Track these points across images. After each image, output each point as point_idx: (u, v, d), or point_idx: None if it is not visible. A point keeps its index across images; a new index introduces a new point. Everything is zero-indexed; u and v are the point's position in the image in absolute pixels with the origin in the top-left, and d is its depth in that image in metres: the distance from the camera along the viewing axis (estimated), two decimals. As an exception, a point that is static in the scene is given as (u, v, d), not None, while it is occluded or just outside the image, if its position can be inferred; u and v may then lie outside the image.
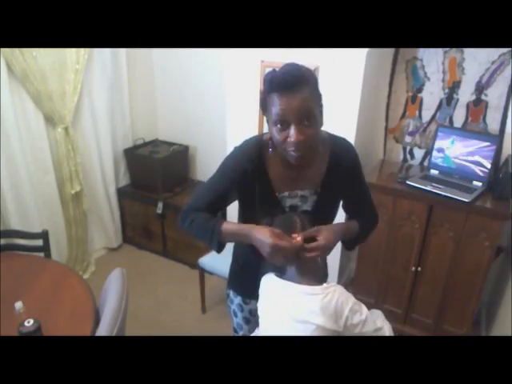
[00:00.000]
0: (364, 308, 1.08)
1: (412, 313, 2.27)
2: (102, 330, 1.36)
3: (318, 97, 1.13)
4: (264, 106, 1.12)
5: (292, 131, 1.04)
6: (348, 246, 1.34)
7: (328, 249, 1.13)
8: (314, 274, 1.13)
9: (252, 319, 1.43)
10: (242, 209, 1.28)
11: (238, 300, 1.43)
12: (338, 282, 2.57)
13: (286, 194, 1.21)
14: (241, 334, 1.47)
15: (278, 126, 1.05)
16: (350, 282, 2.68)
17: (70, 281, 1.75)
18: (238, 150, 1.21)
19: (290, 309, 1.09)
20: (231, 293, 1.45)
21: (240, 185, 1.19)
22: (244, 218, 1.28)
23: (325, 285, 1.08)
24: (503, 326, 2.01)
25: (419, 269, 2.15)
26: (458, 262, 2.04)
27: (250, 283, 1.31)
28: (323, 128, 1.23)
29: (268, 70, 1.27)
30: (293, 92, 1.03)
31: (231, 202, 1.28)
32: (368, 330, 1.07)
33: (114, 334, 1.35)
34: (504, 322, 2.01)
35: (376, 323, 1.10)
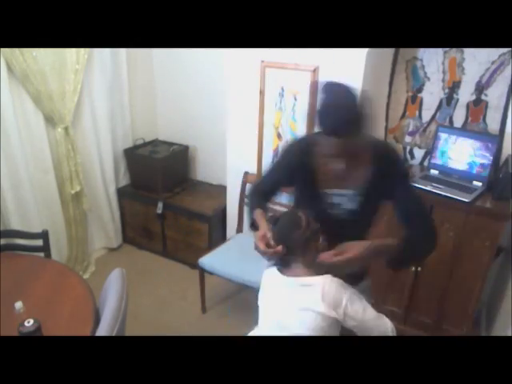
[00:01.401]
0: (363, 299, 1.14)
1: (412, 313, 2.27)
2: (102, 330, 1.36)
3: (367, 117, 1.12)
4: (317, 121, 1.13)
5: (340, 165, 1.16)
6: (394, 265, 1.28)
7: (353, 262, 1.14)
8: (312, 266, 1.17)
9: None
10: (296, 194, 1.40)
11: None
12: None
13: (335, 191, 1.29)
14: None
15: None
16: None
17: (70, 281, 1.75)
18: (297, 138, 1.40)
19: (292, 299, 1.15)
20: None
21: (295, 168, 1.32)
22: (297, 202, 1.40)
23: (324, 275, 1.13)
24: (503, 326, 2.01)
25: (419, 269, 2.14)
26: (458, 262, 2.04)
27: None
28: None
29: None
30: (344, 138, 1.07)
31: (293, 184, 1.40)
32: (370, 318, 1.11)
33: (113, 334, 1.35)
34: (504, 322, 2.01)
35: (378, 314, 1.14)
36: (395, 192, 1.28)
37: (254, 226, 1.37)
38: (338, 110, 1.07)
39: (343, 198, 1.28)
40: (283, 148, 1.40)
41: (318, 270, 1.16)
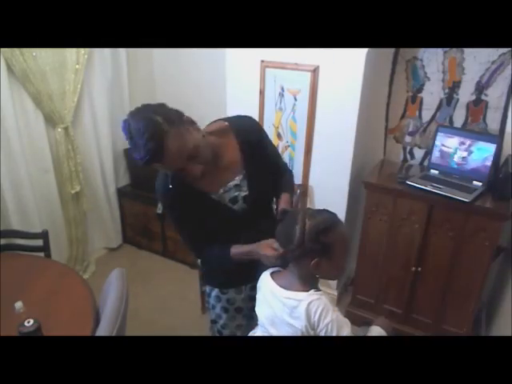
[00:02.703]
0: (344, 326, 1.06)
1: (412, 313, 2.27)
2: (102, 330, 1.36)
3: (180, 122, 1.10)
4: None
5: (190, 170, 1.13)
6: None
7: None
8: (304, 280, 1.12)
9: (230, 308, 1.46)
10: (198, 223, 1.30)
11: (214, 292, 1.47)
12: (338, 283, 2.57)
13: (221, 190, 1.27)
14: (220, 323, 1.50)
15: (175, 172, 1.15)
16: (350, 282, 2.68)
17: (70, 281, 1.75)
18: (157, 189, 1.29)
19: (279, 310, 1.11)
20: (207, 288, 1.51)
21: (186, 207, 1.25)
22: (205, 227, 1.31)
23: (311, 291, 1.08)
24: (503, 326, 2.01)
25: (419, 269, 2.14)
26: (458, 261, 2.04)
27: (224, 275, 1.41)
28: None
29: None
30: (166, 156, 1.05)
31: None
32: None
33: (113, 334, 1.35)
34: (504, 322, 2.01)
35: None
36: (270, 155, 1.35)
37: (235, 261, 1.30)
38: (140, 136, 1.03)
39: (234, 190, 1.28)
40: (164, 205, 1.34)
41: (310, 284, 1.12)
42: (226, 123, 1.29)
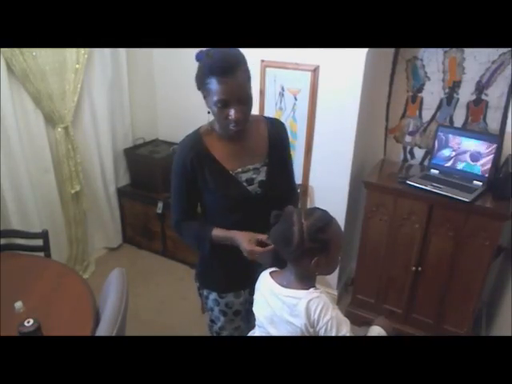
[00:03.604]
0: (343, 323, 1.06)
1: (412, 313, 2.27)
2: (102, 330, 1.36)
3: (250, 78, 1.22)
4: (201, 84, 1.20)
5: (232, 111, 1.17)
6: None
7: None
8: (302, 278, 1.12)
9: (228, 311, 1.47)
10: (204, 195, 1.34)
11: (213, 296, 1.47)
12: (338, 282, 2.57)
13: (240, 169, 1.31)
14: (218, 325, 1.51)
15: (219, 105, 1.17)
16: (350, 282, 2.68)
17: (70, 281, 1.75)
18: (178, 148, 1.33)
19: (278, 309, 1.12)
20: (205, 291, 1.49)
21: (194, 175, 1.29)
22: (206, 203, 1.36)
23: (311, 290, 1.08)
24: (503, 326, 2.01)
25: (419, 269, 2.14)
26: (458, 261, 2.04)
27: (222, 278, 1.42)
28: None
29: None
30: (231, 77, 1.13)
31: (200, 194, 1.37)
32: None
33: (113, 334, 1.35)
34: (504, 321, 2.01)
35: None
36: (288, 166, 1.44)
37: (214, 247, 1.32)
38: (220, 53, 1.14)
39: (252, 172, 1.32)
40: (177, 163, 1.32)
41: (309, 282, 1.12)
42: (263, 117, 1.41)
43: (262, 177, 1.32)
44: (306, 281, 1.12)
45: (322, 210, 1.13)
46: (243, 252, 1.23)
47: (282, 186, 1.38)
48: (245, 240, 1.23)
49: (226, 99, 1.15)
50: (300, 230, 1.05)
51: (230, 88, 1.14)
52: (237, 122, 1.19)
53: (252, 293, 1.41)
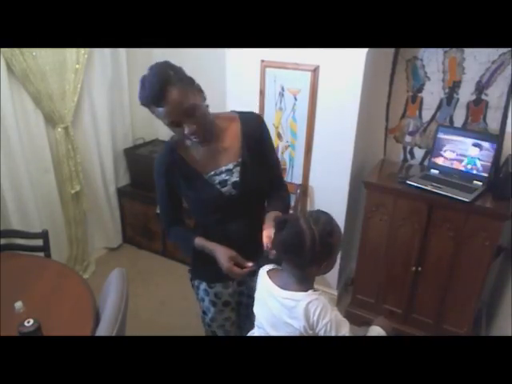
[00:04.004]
0: (342, 325, 1.06)
1: (412, 313, 2.27)
2: (102, 330, 1.36)
3: (189, 83, 1.21)
4: (149, 109, 1.20)
5: (186, 129, 1.19)
6: None
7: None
8: (301, 280, 1.11)
9: (218, 302, 1.50)
10: (183, 199, 1.41)
11: (203, 286, 1.50)
12: (338, 282, 2.57)
13: (212, 172, 1.32)
14: (209, 316, 1.54)
15: (171, 127, 1.20)
16: (350, 282, 2.68)
17: (70, 281, 1.75)
18: (156, 158, 1.38)
19: (276, 310, 1.11)
20: (196, 282, 1.54)
21: (171, 181, 1.34)
22: (188, 205, 1.41)
23: (310, 291, 1.08)
24: (503, 326, 2.01)
25: (419, 269, 2.14)
26: (458, 261, 2.04)
27: (211, 269, 1.40)
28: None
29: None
30: (166, 101, 1.13)
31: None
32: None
33: (113, 334, 1.35)
34: (504, 322, 2.01)
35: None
36: (269, 158, 1.40)
37: (197, 253, 1.38)
38: (149, 79, 1.14)
39: (225, 174, 1.32)
40: (156, 172, 1.37)
41: (308, 284, 1.11)
42: (237, 114, 1.38)
43: (235, 177, 1.32)
44: (305, 283, 1.11)
45: (324, 212, 1.12)
46: (221, 267, 1.27)
47: (259, 183, 1.37)
48: (224, 257, 1.26)
49: (173, 121, 1.17)
50: (312, 237, 1.03)
51: (170, 111, 1.15)
52: (195, 135, 1.21)
53: (241, 284, 1.50)
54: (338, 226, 1.10)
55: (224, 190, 1.32)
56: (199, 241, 1.36)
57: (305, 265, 1.07)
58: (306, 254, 1.04)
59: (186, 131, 1.19)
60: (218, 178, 1.32)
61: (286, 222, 1.08)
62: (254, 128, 1.36)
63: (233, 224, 1.35)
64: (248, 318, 1.52)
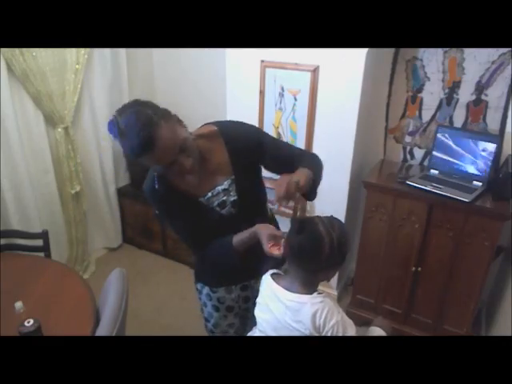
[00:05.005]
0: (348, 327, 1.06)
1: (412, 313, 2.27)
2: (102, 330, 1.37)
3: (170, 117, 1.11)
4: (138, 159, 1.10)
5: (176, 167, 1.12)
6: (311, 195, 1.32)
7: (281, 193, 1.08)
8: (306, 283, 1.10)
9: (221, 307, 1.47)
10: (177, 229, 1.32)
11: (206, 290, 1.46)
12: (338, 282, 2.57)
13: (209, 194, 1.26)
14: (212, 322, 1.51)
15: (165, 167, 1.13)
16: (350, 282, 2.68)
17: (70, 281, 1.75)
18: (144, 188, 1.27)
19: (280, 313, 1.10)
20: (199, 285, 1.49)
21: (171, 210, 1.26)
22: (186, 235, 1.33)
23: (315, 294, 1.08)
24: (503, 326, 2.01)
25: (419, 269, 2.14)
26: (458, 261, 2.04)
27: (214, 273, 1.41)
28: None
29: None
30: (155, 149, 1.04)
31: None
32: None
33: (113, 334, 1.35)
34: (504, 322, 2.01)
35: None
36: (269, 155, 1.29)
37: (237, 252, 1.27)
38: (128, 132, 1.03)
39: (222, 194, 1.26)
40: (151, 202, 1.29)
41: (313, 287, 1.11)
42: (215, 128, 1.27)
43: (233, 197, 1.27)
44: (310, 285, 1.11)
45: (335, 217, 1.11)
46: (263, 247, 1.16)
47: (257, 195, 1.33)
48: (265, 238, 1.15)
49: (168, 162, 1.10)
50: (331, 243, 1.02)
51: (165, 153, 1.07)
52: (187, 171, 1.15)
53: (244, 288, 1.45)
54: (348, 233, 1.10)
55: (224, 211, 1.28)
56: (236, 238, 1.24)
57: (318, 270, 1.07)
58: (322, 260, 1.03)
59: (184, 166, 1.12)
60: (216, 200, 1.27)
61: (303, 224, 1.06)
62: (237, 136, 1.27)
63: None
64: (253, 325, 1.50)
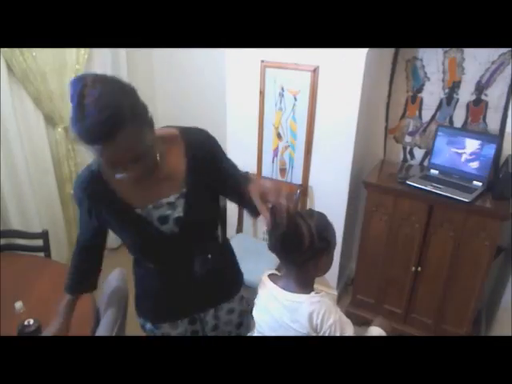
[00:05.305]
0: (346, 327, 1.06)
1: (412, 313, 2.27)
2: (102, 330, 1.36)
3: (143, 120, 0.97)
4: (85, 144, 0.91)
5: (125, 174, 0.96)
6: (255, 212, 1.10)
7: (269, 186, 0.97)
8: (302, 282, 1.10)
9: None
10: (117, 235, 1.18)
11: (148, 326, 1.30)
12: (338, 282, 2.57)
13: (150, 206, 1.08)
14: None
15: (107, 167, 0.97)
16: (350, 282, 2.68)
17: (70, 281, 1.74)
18: (75, 180, 1.13)
19: (278, 313, 1.10)
20: (140, 320, 1.33)
21: (94, 212, 1.11)
22: (125, 244, 1.20)
23: (312, 293, 1.07)
24: (503, 326, 2.01)
25: (419, 269, 2.14)
26: (458, 262, 2.04)
27: (156, 307, 1.25)
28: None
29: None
30: (113, 144, 0.87)
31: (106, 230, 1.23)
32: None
33: (113, 334, 1.35)
34: (504, 322, 2.01)
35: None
36: (225, 173, 1.15)
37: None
38: (91, 108, 0.84)
39: (166, 208, 1.09)
40: (75, 196, 1.13)
41: (309, 286, 1.11)
42: (177, 132, 1.12)
43: (178, 212, 1.09)
44: (306, 284, 1.11)
45: (316, 211, 1.11)
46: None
47: (208, 215, 1.17)
48: (257, 200, 0.97)
49: (115, 165, 0.94)
50: (309, 231, 1.02)
51: (116, 155, 0.90)
52: (138, 178, 0.99)
53: (193, 322, 1.28)
54: (330, 222, 1.10)
55: (164, 227, 1.10)
56: (65, 297, 1.22)
57: (305, 261, 1.07)
58: (304, 248, 1.02)
59: (132, 174, 0.96)
60: (157, 213, 1.08)
61: (281, 220, 1.04)
62: (200, 148, 1.11)
63: (174, 262, 1.15)
64: None
